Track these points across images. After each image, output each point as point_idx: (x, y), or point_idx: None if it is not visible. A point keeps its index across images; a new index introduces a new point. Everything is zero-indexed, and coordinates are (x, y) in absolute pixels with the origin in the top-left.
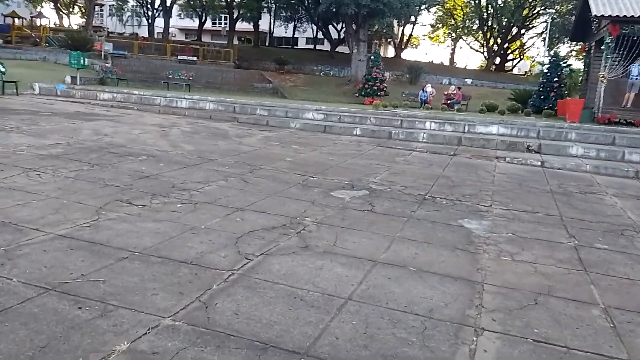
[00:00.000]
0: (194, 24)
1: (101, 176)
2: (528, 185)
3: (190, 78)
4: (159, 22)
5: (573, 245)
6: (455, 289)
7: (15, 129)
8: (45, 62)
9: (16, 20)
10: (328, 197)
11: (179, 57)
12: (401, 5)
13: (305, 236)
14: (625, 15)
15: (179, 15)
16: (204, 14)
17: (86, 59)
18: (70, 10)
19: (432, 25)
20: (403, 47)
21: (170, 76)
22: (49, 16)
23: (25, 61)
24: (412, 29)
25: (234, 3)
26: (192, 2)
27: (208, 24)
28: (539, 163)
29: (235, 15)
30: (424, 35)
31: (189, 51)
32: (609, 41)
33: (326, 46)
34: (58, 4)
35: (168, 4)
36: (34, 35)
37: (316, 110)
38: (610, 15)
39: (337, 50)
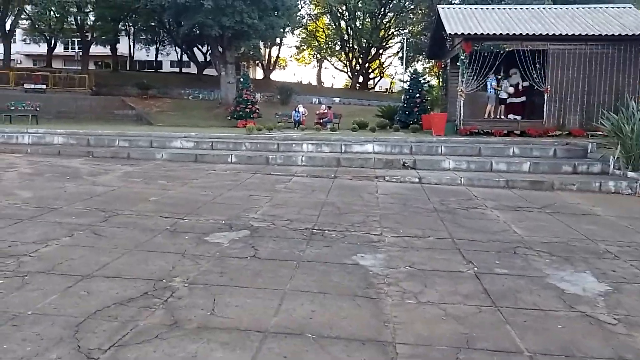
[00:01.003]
0: (42, 49)
1: None
2: (412, 205)
3: (38, 109)
4: (1, 49)
5: (474, 274)
6: (365, 358)
7: None
8: None
9: None
10: (202, 244)
11: (25, 86)
12: (265, 28)
13: (173, 306)
14: (475, 33)
15: (24, 40)
16: (52, 39)
17: None
18: None
19: (297, 47)
20: (271, 68)
21: (13, 107)
22: None
23: None
24: (279, 50)
25: (87, 26)
26: (37, 26)
27: (59, 49)
28: (417, 179)
29: (89, 39)
30: (291, 57)
31: (37, 79)
32: (463, 57)
33: (193, 69)
34: None
35: (7, 28)
36: None
37: (185, 138)
38: (462, 34)
39: (204, 72)
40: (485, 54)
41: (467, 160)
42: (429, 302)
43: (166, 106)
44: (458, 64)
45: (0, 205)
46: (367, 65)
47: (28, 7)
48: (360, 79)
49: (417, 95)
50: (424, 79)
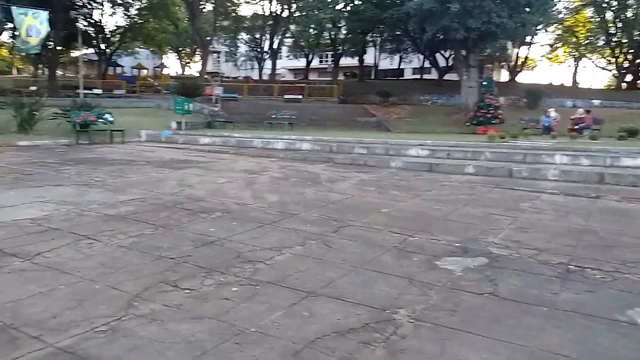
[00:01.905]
0: (301, 63)
1: (160, 244)
2: None
3: (293, 117)
4: (270, 65)
5: None
6: None
7: (98, 184)
8: (159, 108)
9: (142, 71)
10: (431, 269)
11: (285, 97)
12: (515, 26)
13: (395, 348)
14: None
15: (288, 56)
16: (310, 53)
17: (190, 104)
18: (191, 59)
19: (551, 45)
20: (518, 69)
21: (274, 116)
22: (172, 66)
23: (139, 109)
24: (528, 50)
25: (338, 39)
26: (298, 43)
27: (315, 62)
28: None
29: (340, 51)
30: (541, 56)
31: (295, 90)
32: None
33: (434, 75)
34: (180, 55)
35: (275, 46)
36: (155, 84)
37: (420, 146)
38: None
39: (445, 78)
40: None
41: None
42: None
43: (405, 113)
44: None
45: (250, 208)
46: (638, 61)
47: (292, 27)
48: (629, 78)
49: None
50: None
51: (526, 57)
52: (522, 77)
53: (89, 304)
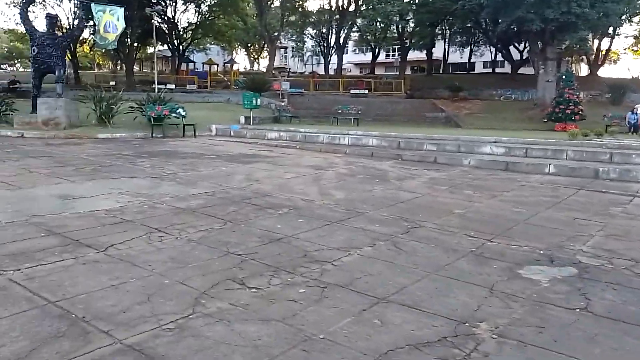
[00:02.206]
0: (367, 57)
1: (228, 239)
2: None
3: (359, 112)
4: (335, 59)
5: None
6: None
7: (170, 176)
8: (229, 103)
9: (213, 67)
10: (514, 278)
11: (351, 91)
12: (598, 16)
13: None
14: None
15: (354, 50)
16: (376, 47)
17: (258, 99)
18: (259, 55)
19: (636, 37)
20: (600, 63)
21: (340, 111)
22: (241, 62)
23: (210, 103)
24: (611, 42)
25: (406, 33)
26: (365, 37)
27: (381, 57)
28: None
29: (407, 45)
30: (625, 49)
31: (361, 84)
32: None
33: (506, 69)
34: (249, 50)
35: (341, 41)
36: (225, 79)
37: (495, 143)
38: None
39: (519, 72)
40: None
41: None
42: None
43: (476, 108)
44: None
45: (316, 205)
46: None
47: (358, 21)
48: None
49: None
50: None
51: (608, 50)
52: (604, 71)
53: (158, 299)
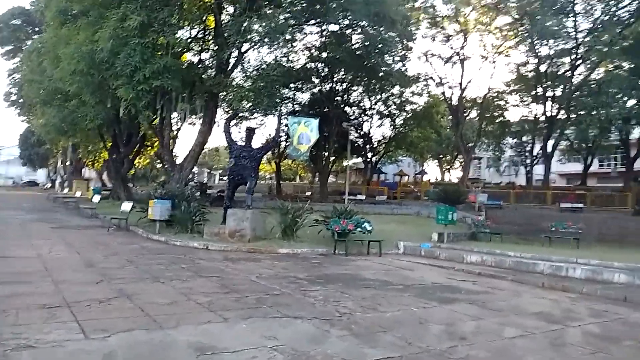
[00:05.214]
0: (576, 167)
1: None
2: None
3: (580, 230)
4: (538, 169)
5: None
6: None
7: (344, 319)
8: (419, 216)
9: (403, 178)
10: None
11: (561, 205)
12: None
13: None
14: None
15: (559, 160)
16: (589, 156)
17: (455, 214)
18: (451, 165)
19: None
20: None
21: (554, 229)
22: (431, 172)
23: (399, 216)
24: None
25: (630, 140)
26: (576, 146)
27: (594, 167)
28: None
29: (633, 154)
30: None
31: (572, 197)
32: None
33: None
34: (440, 161)
35: (549, 150)
36: (415, 190)
37: None
38: None
39: None
40: None
41: None
42: None
43: None
44: None
45: None
46: None
47: (568, 130)
48: None
49: None
50: None
51: None
52: None
53: None
